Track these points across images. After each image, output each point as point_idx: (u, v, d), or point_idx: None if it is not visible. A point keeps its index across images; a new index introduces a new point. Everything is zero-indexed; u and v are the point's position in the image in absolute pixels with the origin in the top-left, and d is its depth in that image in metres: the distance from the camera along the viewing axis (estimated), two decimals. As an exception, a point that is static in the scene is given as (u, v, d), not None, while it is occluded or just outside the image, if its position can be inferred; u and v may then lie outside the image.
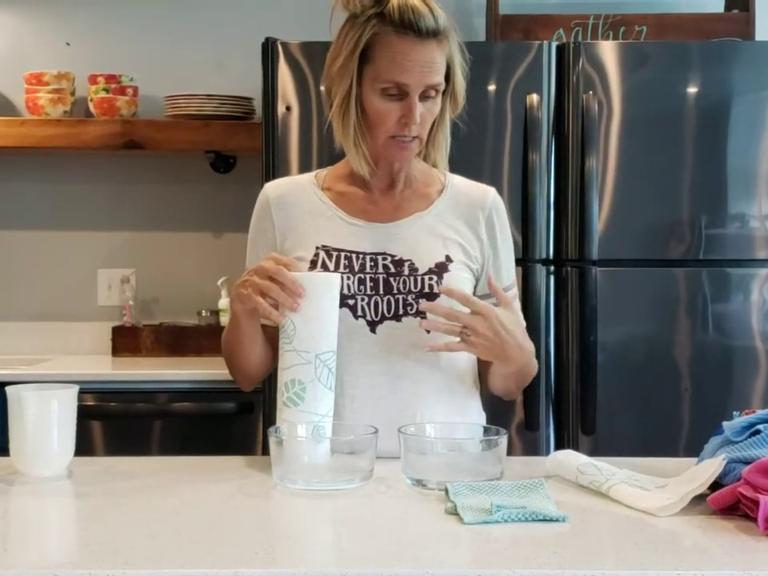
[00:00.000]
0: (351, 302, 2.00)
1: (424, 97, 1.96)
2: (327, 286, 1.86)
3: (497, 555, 1.41)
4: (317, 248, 2.03)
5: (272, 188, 2.12)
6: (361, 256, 2.02)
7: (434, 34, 1.93)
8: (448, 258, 2.03)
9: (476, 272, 2.08)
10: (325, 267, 2.00)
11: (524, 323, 2.08)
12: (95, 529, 1.52)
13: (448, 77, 1.99)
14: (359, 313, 2.01)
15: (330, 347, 1.86)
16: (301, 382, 1.83)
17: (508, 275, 2.13)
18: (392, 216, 2.08)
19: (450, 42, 1.97)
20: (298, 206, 2.07)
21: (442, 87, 1.98)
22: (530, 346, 2.01)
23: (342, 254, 2.02)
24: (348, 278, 2.00)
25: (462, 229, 2.08)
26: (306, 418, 1.83)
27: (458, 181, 2.14)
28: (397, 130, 1.97)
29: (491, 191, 2.14)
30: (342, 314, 1.97)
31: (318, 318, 1.84)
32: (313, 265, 2.01)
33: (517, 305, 2.11)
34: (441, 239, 2.05)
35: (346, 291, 1.99)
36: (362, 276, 2.01)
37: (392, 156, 2.02)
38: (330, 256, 2.02)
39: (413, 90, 1.94)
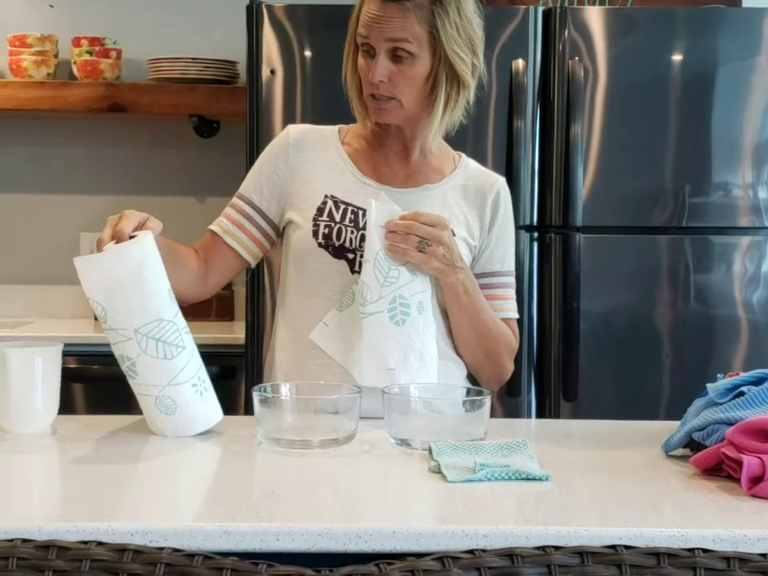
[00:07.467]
0: (351, 255, 2.03)
1: (395, 57, 1.99)
2: (124, 260, 1.78)
3: (480, 512, 1.42)
4: (325, 196, 2.07)
5: (295, 129, 2.16)
6: (366, 214, 2.02)
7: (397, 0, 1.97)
8: (452, 232, 2.04)
9: (474, 250, 2.11)
10: (331, 216, 2.04)
11: (517, 315, 2.16)
12: (79, 483, 1.52)
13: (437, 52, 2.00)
14: (356, 268, 2.02)
15: (150, 318, 1.75)
16: (129, 358, 1.78)
17: (504, 262, 2.16)
18: (403, 182, 2.11)
19: (427, 13, 1.97)
20: (315, 152, 2.11)
21: (412, 49, 1.98)
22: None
23: (350, 207, 2.05)
24: (352, 233, 2.03)
25: (467, 208, 2.12)
26: (146, 390, 1.79)
27: (472, 164, 2.19)
28: (369, 87, 2.03)
29: (501, 179, 2.18)
30: (338, 266, 2.02)
31: (123, 294, 1.75)
32: (319, 212, 2.05)
33: (510, 293, 2.16)
34: (446, 213, 2.07)
35: (347, 245, 2.03)
36: (365, 233, 2.01)
37: (373, 115, 2.06)
38: (337, 207, 2.06)
39: (374, 43, 1.99)
